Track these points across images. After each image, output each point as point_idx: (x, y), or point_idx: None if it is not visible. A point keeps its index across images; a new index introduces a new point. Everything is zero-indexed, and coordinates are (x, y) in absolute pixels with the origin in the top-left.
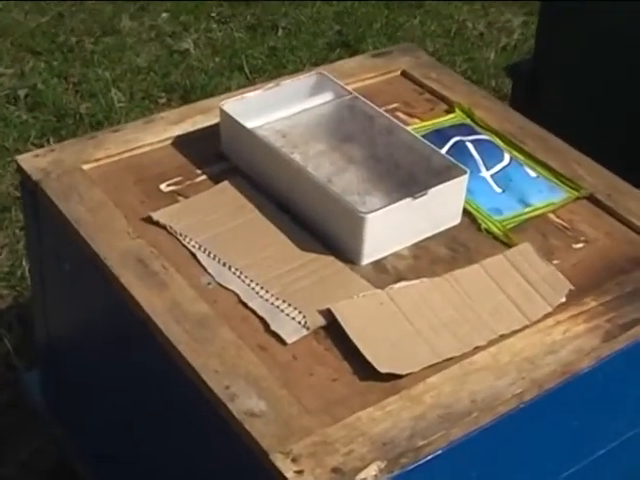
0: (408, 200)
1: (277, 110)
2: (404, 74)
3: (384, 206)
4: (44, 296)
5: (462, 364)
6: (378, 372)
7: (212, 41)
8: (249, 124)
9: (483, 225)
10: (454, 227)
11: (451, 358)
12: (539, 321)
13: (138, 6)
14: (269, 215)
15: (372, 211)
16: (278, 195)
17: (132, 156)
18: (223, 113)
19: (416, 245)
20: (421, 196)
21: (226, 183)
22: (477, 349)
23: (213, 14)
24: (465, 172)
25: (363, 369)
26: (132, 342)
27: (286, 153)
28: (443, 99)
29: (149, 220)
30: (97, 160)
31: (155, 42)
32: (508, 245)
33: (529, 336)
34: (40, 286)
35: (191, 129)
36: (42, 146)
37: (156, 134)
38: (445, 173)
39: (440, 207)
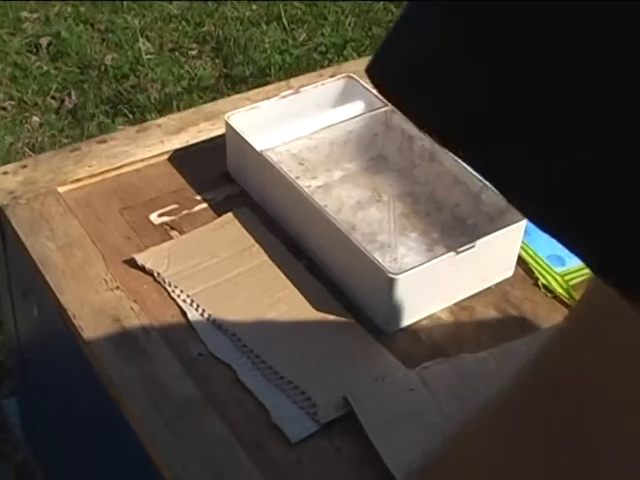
0: (450, 255)
1: (295, 125)
2: None
3: (420, 263)
4: (17, 337)
5: None
6: None
7: None
8: (260, 144)
9: (541, 280)
10: (505, 280)
11: None
12: None
13: None
14: (279, 261)
15: (404, 271)
16: (292, 236)
17: (120, 175)
18: (229, 127)
19: (458, 305)
20: (466, 250)
21: (230, 215)
22: None
23: None
24: (523, 217)
25: (381, 477)
26: (104, 422)
27: (303, 188)
28: None
29: (133, 263)
30: (77, 181)
31: None
32: (571, 307)
33: None
34: (13, 325)
35: (193, 140)
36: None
37: (150, 147)
38: (498, 217)
39: (489, 260)
